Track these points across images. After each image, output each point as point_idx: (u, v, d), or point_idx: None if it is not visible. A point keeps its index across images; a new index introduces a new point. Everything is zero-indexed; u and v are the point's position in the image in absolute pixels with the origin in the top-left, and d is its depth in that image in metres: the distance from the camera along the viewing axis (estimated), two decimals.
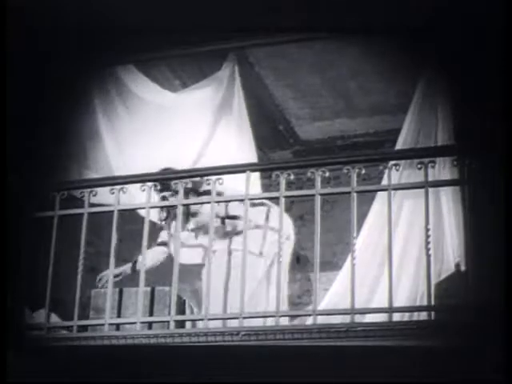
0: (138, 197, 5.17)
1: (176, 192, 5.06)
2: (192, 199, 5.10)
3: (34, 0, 5.06)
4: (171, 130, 5.80)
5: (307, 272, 7.16)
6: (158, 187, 5.22)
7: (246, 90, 5.94)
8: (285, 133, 7.17)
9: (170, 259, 5.33)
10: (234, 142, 5.73)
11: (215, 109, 5.82)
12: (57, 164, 5.69)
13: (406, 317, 4.75)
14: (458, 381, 4.06)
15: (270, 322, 4.84)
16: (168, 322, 4.83)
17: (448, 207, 5.03)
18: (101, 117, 5.90)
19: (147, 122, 5.85)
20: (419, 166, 4.65)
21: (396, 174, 4.83)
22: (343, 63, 6.13)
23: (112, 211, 5.07)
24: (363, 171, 4.73)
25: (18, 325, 4.92)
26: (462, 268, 4.82)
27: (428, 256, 4.51)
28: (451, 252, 4.98)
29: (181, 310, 5.24)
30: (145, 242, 4.98)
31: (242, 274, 4.82)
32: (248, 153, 5.69)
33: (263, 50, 6.05)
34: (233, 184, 5.06)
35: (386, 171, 4.75)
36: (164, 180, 5.11)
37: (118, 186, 5.11)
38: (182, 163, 5.32)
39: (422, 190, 4.68)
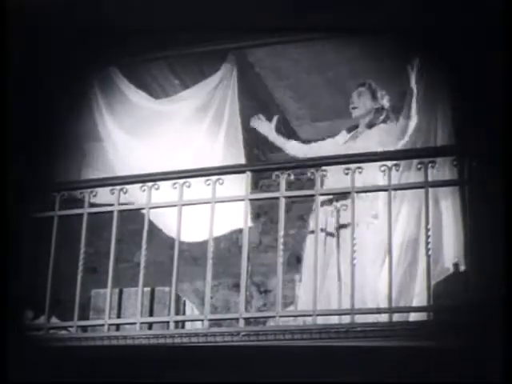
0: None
1: None
2: (192, 200, 5.09)
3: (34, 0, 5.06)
4: (166, 135, 5.81)
5: None
6: None
7: (245, 90, 5.94)
8: (285, 133, 7.15)
9: None
10: (223, 144, 5.75)
11: (211, 113, 5.83)
12: (57, 164, 5.70)
13: (404, 317, 4.75)
14: (458, 381, 4.06)
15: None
16: (168, 322, 4.83)
17: (446, 207, 5.03)
18: (99, 117, 5.91)
19: (142, 125, 5.86)
20: (419, 166, 4.66)
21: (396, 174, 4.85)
22: (343, 63, 6.13)
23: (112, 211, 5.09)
24: (363, 171, 4.74)
25: (18, 325, 4.92)
26: (461, 268, 4.83)
27: (428, 256, 4.51)
28: (449, 252, 4.99)
29: (181, 310, 5.25)
30: (144, 245, 4.97)
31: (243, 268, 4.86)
32: (236, 156, 5.69)
33: (263, 50, 6.05)
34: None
35: (387, 171, 4.75)
36: (164, 180, 5.09)
37: (118, 186, 5.12)
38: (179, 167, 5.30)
39: (419, 191, 4.71)
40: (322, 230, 5.17)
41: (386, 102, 5.51)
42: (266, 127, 5.74)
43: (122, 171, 5.61)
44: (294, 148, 5.71)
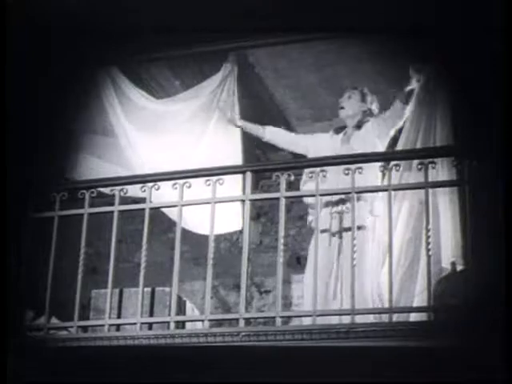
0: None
1: None
2: (192, 200, 5.08)
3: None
4: (168, 134, 5.82)
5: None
6: None
7: (245, 90, 5.94)
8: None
9: None
10: (223, 145, 5.75)
11: (216, 114, 5.84)
12: (57, 163, 5.70)
13: (404, 317, 4.75)
14: (458, 381, 4.06)
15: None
16: (168, 322, 4.83)
17: (444, 207, 5.03)
18: (111, 111, 5.90)
19: (146, 125, 5.87)
20: (419, 166, 4.66)
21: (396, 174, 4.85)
22: (343, 63, 6.14)
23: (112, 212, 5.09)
24: (363, 172, 4.74)
25: (19, 326, 4.92)
26: (458, 268, 4.83)
27: (428, 256, 4.51)
28: (447, 252, 4.99)
29: (181, 310, 5.25)
30: (144, 245, 4.97)
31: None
32: (233, 156, 5.70)
33: (263, 50, 6.05)
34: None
35: (387, 172, 4.75)
36: (164, 180, 5.09)
37: (119, 187, 5.12)
38: (182, 165, 5.31)
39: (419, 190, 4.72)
40: (325, 231, 5.20)
41: (374, 108, 5.57)
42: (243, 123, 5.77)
43: (135, 162, 5.63)
44: (272, 133, 5.73)
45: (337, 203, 5.25)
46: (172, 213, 5.32)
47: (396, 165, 4.79)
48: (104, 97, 5.92)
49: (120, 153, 5.83)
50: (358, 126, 5.51)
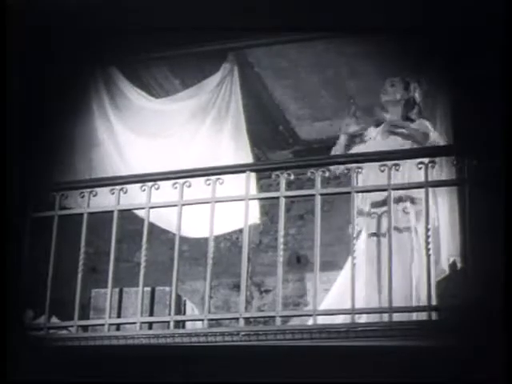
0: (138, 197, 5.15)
1: None
2: (192, 199, 5.08)
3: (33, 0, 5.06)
4: (168, 134, 5.82)
5: (307, 272, 7.17)
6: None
7: (245, 90, 5.95)
8: (285, 133, 7.16)
9: None
10: (230, 144, 5.74)
11: (212, 112, 5.83)
12: (57, 166, 5.70)
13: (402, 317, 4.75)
14: (458, 381, 4.06)
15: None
16: (168, 322, 4.83)
17: (444, 207, 5.03)
18: (99, 119, 5.90)
19: (143, 126, 5.86)
20: (419, 165, 4.66)
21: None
22: (343, 63, 6.14)
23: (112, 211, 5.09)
24: (363, 171, 4.74)
25: (19, 325, 4.92)
26: (458, 268, 4.83)
27: (428, 256, 4.52)
28: (446, 251, 4.99)
29: (181, 310, 5.26)
30: (144, 245, 4.97)
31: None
32: (243, 155, 5.69)
33: (263, 50, 6.05)
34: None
35: (386, 171, 4.75)
36: (164, 180, 5.09)
37: (118, 186, 5.12)
38: (181, 166, 5.30)
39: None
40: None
41: (417, 96, 5.45)
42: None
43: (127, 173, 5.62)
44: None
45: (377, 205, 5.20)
46: (168, 223, 5.32)
47: (396, 164, 4.76)
48: (98, 100, 5.92)
49: (107, 162, 5.82)
50: (406, 118, 5.40)
